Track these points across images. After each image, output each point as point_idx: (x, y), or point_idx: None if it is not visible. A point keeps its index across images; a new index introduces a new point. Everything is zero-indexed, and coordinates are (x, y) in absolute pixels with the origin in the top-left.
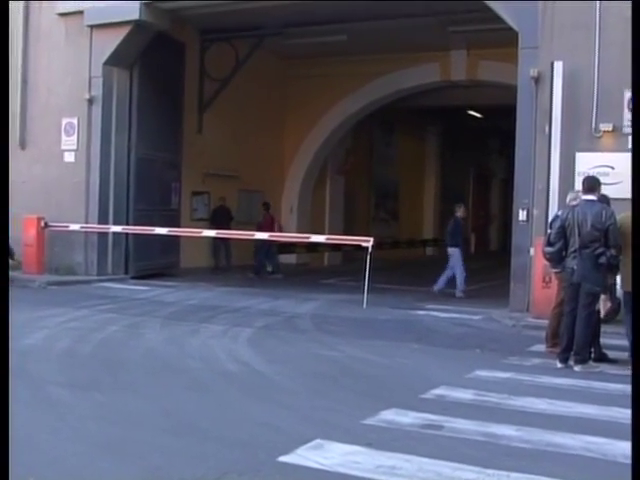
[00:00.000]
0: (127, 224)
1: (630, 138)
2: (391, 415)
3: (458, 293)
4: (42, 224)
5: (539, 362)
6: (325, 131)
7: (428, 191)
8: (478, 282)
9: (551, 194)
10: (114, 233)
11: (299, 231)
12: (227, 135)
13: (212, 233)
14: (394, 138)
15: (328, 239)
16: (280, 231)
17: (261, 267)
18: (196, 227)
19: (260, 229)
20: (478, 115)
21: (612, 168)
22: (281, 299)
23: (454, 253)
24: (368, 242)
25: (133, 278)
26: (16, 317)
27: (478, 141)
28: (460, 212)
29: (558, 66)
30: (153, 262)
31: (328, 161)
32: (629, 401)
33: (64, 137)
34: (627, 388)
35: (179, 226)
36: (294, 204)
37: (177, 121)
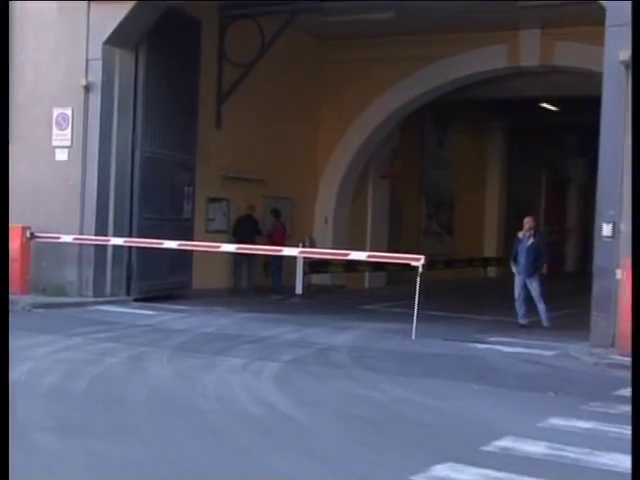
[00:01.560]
0: (130, 236)
1: None
2: (445, 470)
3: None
4: (28, 234)
5: (628, 410)
6: (367, 127)
7: (491, 200)
8: (551, 310)
9: None
10: (114, 246)
11: (335, 246)
12: (250, 131)
13: (232, 248)
14: (450, 136)
15: (370, 257)
16: (312, 246)
17: (282, 286)
18: (213, 240)
19: (271, 241)
20: (553, 108)
21: None
22: (312, 327)
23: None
24: (418, 261)
25: (136, 301)
26: None
27: (553, 140)
28: (532, 225)
29: None
30: (160, 282)
31: (370, 163)
32: None
33: (56, 131)
34: None
35: (192, 239)
36: (329, 214)
37: (191, 114)
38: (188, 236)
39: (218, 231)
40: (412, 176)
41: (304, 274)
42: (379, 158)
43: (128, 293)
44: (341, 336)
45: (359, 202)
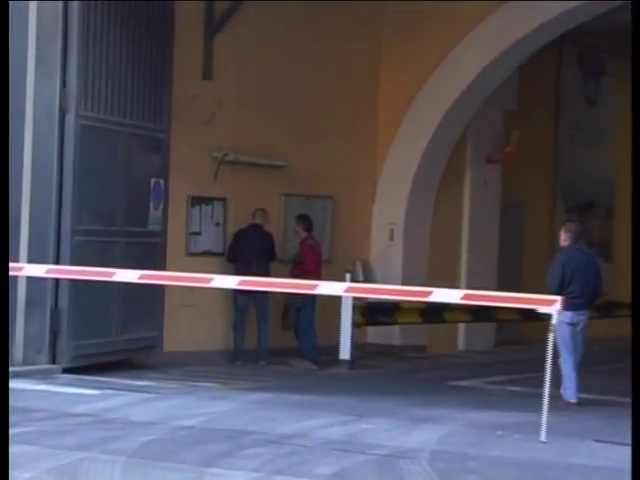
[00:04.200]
0: (57, 262)
1: None
2: None
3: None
4: None
5: None
6: (460, 78)
7: None
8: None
9: None
10: (30, 280)
11: (407, 279)
12: (263, 85)
13: (231, 282)
14: (607, 90)
15: (467, 297)
16: (367, 279)
17: (315, 347)
18: (199, 269)
19: (297, 269)
20: None
21: None
22: (369, 418)
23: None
24: (551, 304)
25: (68, 372)
26: None
27: None
28: (562, 236)
29: None
30: (109, 340)
31: (468, 138)
32: None
33: None
34: None
35: (164, 267)
36: (397, 224)
37: (161, 55)
38: (156, 262)
39: (208, 253)
40: (541, 159)
41: (354, 326)
42: (483, 129)
43: (54, 359)
44: (419, 434)
45: (448, 204)
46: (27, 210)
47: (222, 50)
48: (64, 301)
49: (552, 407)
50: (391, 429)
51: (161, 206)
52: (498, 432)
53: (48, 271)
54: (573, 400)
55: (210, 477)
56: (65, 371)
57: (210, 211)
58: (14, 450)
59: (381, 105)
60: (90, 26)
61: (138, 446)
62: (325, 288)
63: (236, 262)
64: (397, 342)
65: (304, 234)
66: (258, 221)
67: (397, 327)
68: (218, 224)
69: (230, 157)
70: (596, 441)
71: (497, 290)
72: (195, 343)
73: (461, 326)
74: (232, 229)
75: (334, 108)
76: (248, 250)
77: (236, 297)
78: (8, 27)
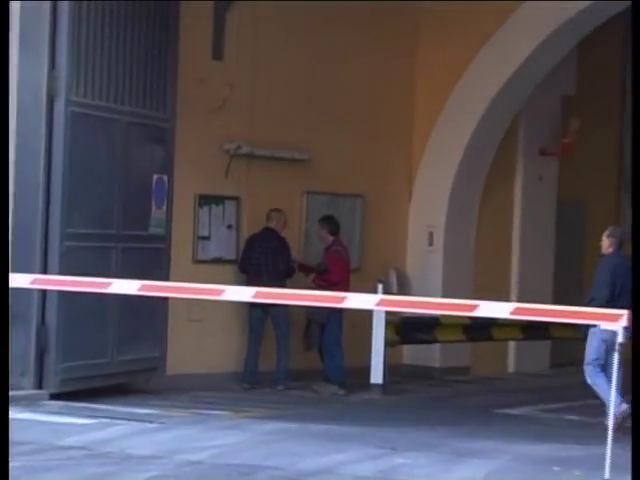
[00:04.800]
0: (44, 270)
1: None
2: None
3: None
4: None
5: None
6: (508, 61)
7: None
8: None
9: None
10: (13, 291)
11: (448, 290)
12: (282, 66)
13: (245, 294)
14: None
15: (518, 311)
16: (402, 290)
17: (342, 369)
18: (208, 279)
19: (322, 279)
20: None
21: None
22: (405, 451)
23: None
24: (615, 319)
25: (56, 398)
26: None
27: None
28: (606, 243)
29: None
30: (103, 362)
31: (519, 129)
32: None
33: None
34: None
35: (167, 276)
36: (436, 227)
37: (165, 31)
38: (159, 271)
39: (218, 261)
40: (603, 151)
41: (387, 345)
42: (537, 117)
43: (40, 384)
44: (462, 469)
45: (497, 203)
46: (10, 212)
47: (235, 26)
48: (52, 316)
49: (616, 438)
50: (430, 464)
51: (165, 206)
52: (554, 468)
53: (34, 281)
54: (625, 406)
55: None
56: (53, 397)
57: (221, 212)
58: None
59: (419, 90)
60: (83, 4)
61: None
62: (354, 301)
63: (250, 272)
64: (437, 363)
65: (330, 238)
66: (272, 225)
67: (437, 346)
68: (230, 227)
69: (244, 150)
70: None
71: (553, 303)
72: (203, 365)
73: (511, 345)
74: (246, 233)
75: (364, 93)
76: (257, 259)
77: (251, 311)
78: (8, 27)
